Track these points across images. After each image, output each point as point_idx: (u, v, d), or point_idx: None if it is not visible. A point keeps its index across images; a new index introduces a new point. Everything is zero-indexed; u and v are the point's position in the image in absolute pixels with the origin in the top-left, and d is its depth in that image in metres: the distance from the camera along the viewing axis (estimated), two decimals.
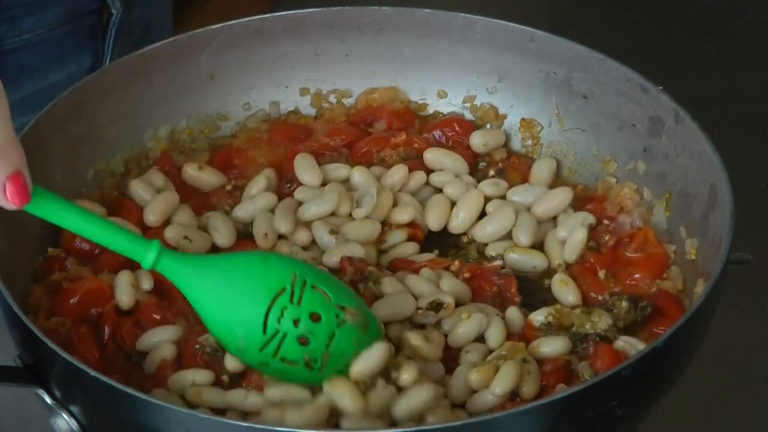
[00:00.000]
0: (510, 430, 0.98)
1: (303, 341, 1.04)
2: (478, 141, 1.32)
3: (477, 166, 1.32)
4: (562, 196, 1.25)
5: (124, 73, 1.29)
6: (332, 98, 1.38)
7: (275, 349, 1.04)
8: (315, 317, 1.04)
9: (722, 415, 1.29)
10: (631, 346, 1.11)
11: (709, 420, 1.29)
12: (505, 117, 1.36)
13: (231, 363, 1.09)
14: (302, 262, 1.12)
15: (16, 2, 1.40)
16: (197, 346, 1.11)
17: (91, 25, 1.49)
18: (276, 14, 1.36)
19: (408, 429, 0.97)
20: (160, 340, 1.13)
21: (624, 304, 1.14)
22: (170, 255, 1.05)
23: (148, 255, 1.04)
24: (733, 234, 1.10)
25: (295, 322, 1.04)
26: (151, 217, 1.23)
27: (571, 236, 1.22)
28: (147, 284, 1.16)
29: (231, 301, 1.04)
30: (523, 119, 1.34)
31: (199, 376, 1.09)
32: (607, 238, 1.22)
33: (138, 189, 1.26)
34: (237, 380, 1.10)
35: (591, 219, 1.23)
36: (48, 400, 1.06)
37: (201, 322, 1.09)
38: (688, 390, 1.12)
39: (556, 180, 1.31)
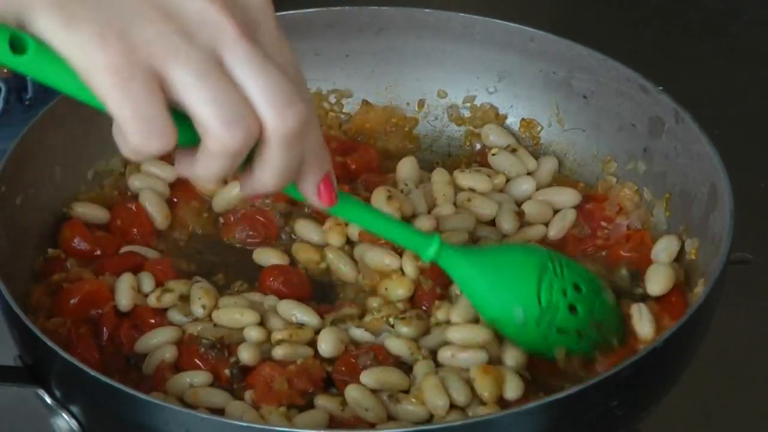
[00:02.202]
0: (510, 430, 0.98)
1: (573, 310, 1.11)
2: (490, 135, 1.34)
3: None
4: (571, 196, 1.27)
5: None
6: (332, 98, 1.38)
7: (551, 320, 1.11)
8: (577, 288, 1.12)
9: (722, 415, 1.29)
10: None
11: (709, 420, 1.29)
12: (505, 117, 1.36)
13: (245, 355, 1.10)
14: (548, 249, 1.18)
15: None
16: (196, 339, 1.11)
17: None
18: (276, 14, 1.35)
19: (408, 429, 0.97)
20: (159, 341, 1.13)
21: (624, 271, 1.17)
22: (448, 248, 1.11)
23: (429, 248, 1.10)
24: (733, 234, 1.10)
25: (564, 292, 1.11)
26: (158, 218, 1.26)
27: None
28: (148, 287, 1.16)
29: (505, 284, 1.11)
30: (523, 119, 1.34)
31: (197, 377, 1.10)
32: (599, 242, 1.22)
33: (145, 198, 1.27)
34: (240, 376, 1.10)
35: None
36: (48, 400, 1.06)
37: None
38: (688, 390, 1.12)
39: (558, 178, 1.31)
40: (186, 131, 0.89)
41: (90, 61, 0.85)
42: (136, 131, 0.86)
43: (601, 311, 1.13)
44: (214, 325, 1.14)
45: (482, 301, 1.12)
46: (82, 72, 0.85)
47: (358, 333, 1.13)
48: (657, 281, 1.16)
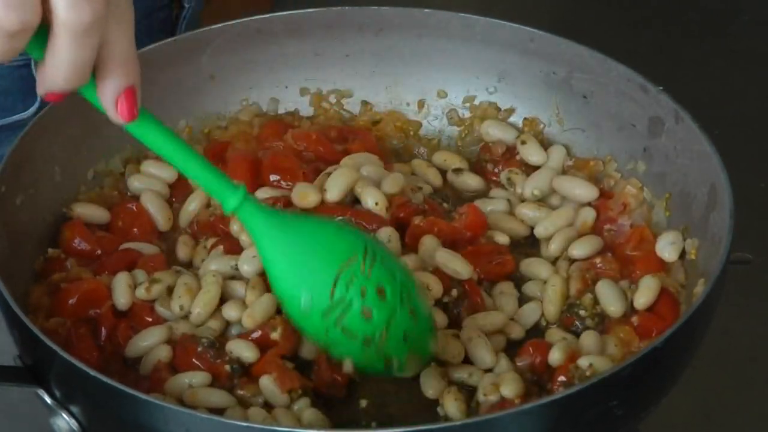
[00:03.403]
0: (510, 430, 0.98)
1: (367, 314, 1.04)
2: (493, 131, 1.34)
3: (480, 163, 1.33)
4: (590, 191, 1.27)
5: None
6: (332, 98, 1.38)
7: (338, 316, 1.04)
8: (381, 292, 1.04)
9: (722, 415, 1.30)
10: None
11: (709, 420, 1.29)
12: (507, 115, 1.36)
13: (246, 353, 1.10)
14: (374, 238, 1.13)
15: None
16: (193, 338, 1.11)
17: (162, 20, 1.50)
18: (276, 14, 1.36)
19: (408, 429, 0.97)
20: (150, 343, 1.13)
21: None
22: (254, 204, 1.05)
23: (232, 198, 1.03)
24: (733, 234, 1.10)
25: (362, 293, 1.04)
26: (161, 221, 1.26)
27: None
28: (144, 284, 1.16)
29: (303, 261, 1.04)
30: (526, 118, 1.34)
31: (196, 378, 1.10)
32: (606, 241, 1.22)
33: (147, 200, 1.27)
34: (239, 372, 1.10)
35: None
36: (48, 400, 1.06)
37: None
38: (688, 390, 1.12)
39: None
40: None
41: None
42: None
43: (406, 322, 1.05)
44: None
45: (274, 273, 1.05)
46: None
47: None
48: (641, 294, 1.15)
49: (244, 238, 1.19)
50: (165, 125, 1.01)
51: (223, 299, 1.16)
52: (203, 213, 1.25)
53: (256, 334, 1.12)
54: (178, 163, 1.03)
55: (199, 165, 1.03)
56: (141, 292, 1.15)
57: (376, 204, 1.21)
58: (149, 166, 1.29)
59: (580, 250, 1.21)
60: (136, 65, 0.94)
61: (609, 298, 1.15)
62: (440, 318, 1.14)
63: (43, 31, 0.89)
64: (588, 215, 1.25)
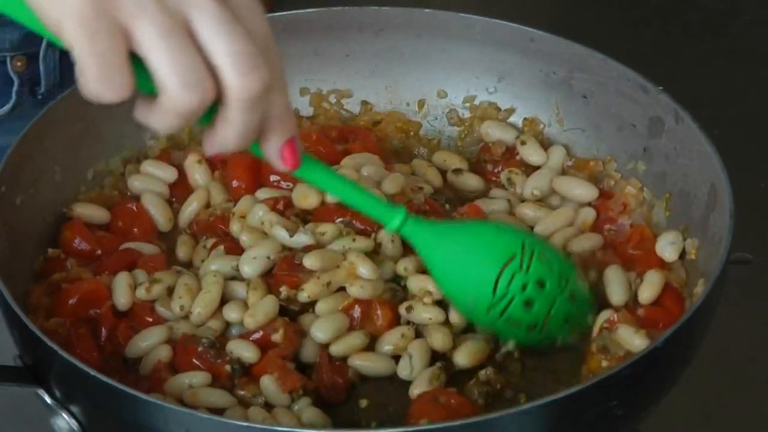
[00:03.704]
0: (510, 430, 0.98)
1: (529, 305, 1.11)
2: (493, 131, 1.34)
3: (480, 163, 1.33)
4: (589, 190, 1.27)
5: None
6: (332, 98, 1.38)
7: (502, 310, 1.11)
8: (541, 284, 1.11)
9: (722, 415, 1.30)
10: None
11: (709, 420, 1.29)
12: (508, 115, 1.36)
13: (246, 353, 1.10)
14: (530, 234, 1.20)
15: None
16: (193, 338, 1.11)
17: None
18: (276, 14, 1.36)
19: (408, 429, 0.97)
20: (150, 343, 1.13)
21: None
22: (414, 220, 1.12)
23: (394, 218, 1.11)
24: (733, 234, 1.10)
25: (523, 287, 1.11)
26: (162, 221, 1.26)
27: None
28: (144, 285, 1.16)
29: (466, 265, 1.12)
30: (525, 118, 1.34)
31: (196, 378, 1.10)
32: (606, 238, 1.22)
33: (147, 201, 1.27)
34: (240, 372, 1.10)
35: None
36: (48, 400, 1.06)
37: None
38: (688, 390, 1.12)
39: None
40: (147, 80, 0.90)
41: (61, 6, 0.87)
42: (95, 78, 0.88)
43: (566, 307, 1.13)
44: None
45: (440, 276, 1.13)
46: (53, 16, 0.88)
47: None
48: (645, 289, 1.16)
49: (244, 239, 1.20)
50: (323, 165, 1.08)
51: (224, 300, 1.16)
52: (203, 213, 1.25)
53: (257, 335, 1.12)
54: (341, 194, 1.11)
55: (359, 193, 1.11)
56: (141, 293, 1.15)
57: None
58: (149, 166, 1.29)
59: (578, 245, 1.21)
60: (293, 119, 1.00)
61: (614, 286, 1.16)
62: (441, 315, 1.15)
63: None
64: (588, 215, 1.25)
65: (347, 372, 1.12)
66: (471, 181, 1.31)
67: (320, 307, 1.14)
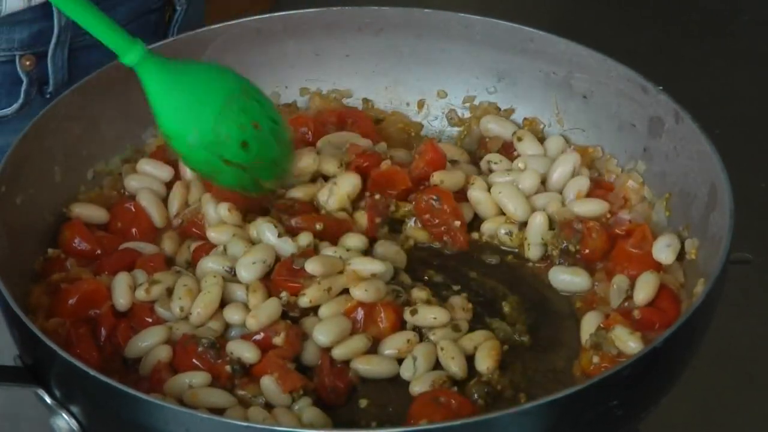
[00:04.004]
0: (510, 430, 0.98)
1: (245, 145, 1.17)
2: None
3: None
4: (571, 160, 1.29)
5: (125, 73, 1.29)
6: (332, 97, 1.38)
7: (220, 149, 1.17)
8: (256, 126, 1.18)
9: (722, 415, 1.30)
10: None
11: (709, 420, 1.29)
12: (510, 114, 1.36)
13: (247, 354, 1.10)
14: (246, 80, 1.23)
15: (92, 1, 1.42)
16: (193, 339, 1.11)
17: (155, 23, 1.51)
18: (276, 14, 1.36)
19: (408, 429, 0.97)
20: (150, 343, 1.12)
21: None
22: (151, 57, 1.17)
23: (131, 52, 1.16)
24: (733, 234, 1.10)
25: (242, 128, 1.17)
26: (158, 219, 1.26)
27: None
28: (144, 286, 1.16)
29: (191, 103, 1.17)
30: (526, 118, 1.34)
31: (196, 378, 1.09)
32: (594, 235, 1.22)
33: (142, 198, 1.27)
34: (240, 372, 1.10)
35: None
36: (48, 400, 1.06)
37: None
38: (688, 390, 1.12)
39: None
40: None
41: None
42: None
43: (274, 151, 1.20)
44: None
45: (164, 115, 1.17)
46: None
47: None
48: (641, 290, 1.16)
49: (222, 242, 1.20)
50: None
51: (223, 301, 1.16)
52: (190, 213, 1.25)
53: (258, 336, 1.12)
54: (82, 20, 1.13)
55: (101, 20, 1.14)
56: (141, 294, 1.15)
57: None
58: (145, 165, 1.29)
59: (584, 209, 1.24)
60: None
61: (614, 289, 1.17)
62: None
63: None
64: (582, 184, 1.26)
65: (348, 375, 1.12)
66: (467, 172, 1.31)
67: (323, 310, 1.14)
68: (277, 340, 1.11)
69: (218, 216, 1.22)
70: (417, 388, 1.10)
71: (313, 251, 1.18)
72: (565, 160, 1.28)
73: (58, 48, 1.42)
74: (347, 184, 1.25)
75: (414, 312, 1.15)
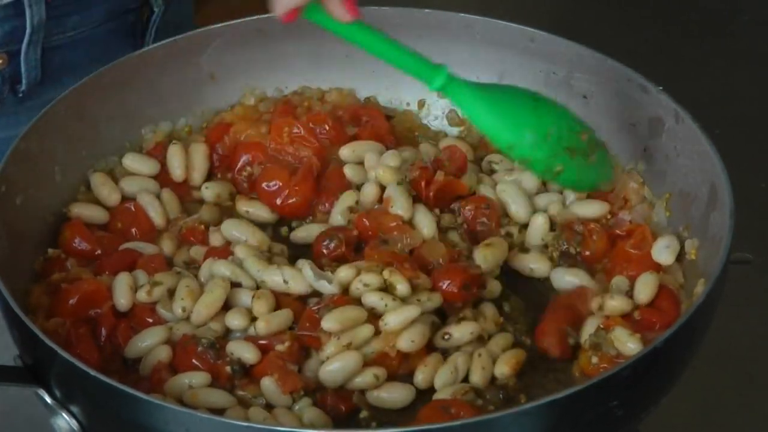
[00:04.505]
0: (510, 430, 0.98)
1: (572, 129, 1.22)
2: None
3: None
4: None
5: (124, 73, 1.30)
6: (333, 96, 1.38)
7: (557, 136, 1.20)
8: (566, 116, 1.23)
9: (722, 415, 1.30)
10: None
11: (709, 420, 1.29)
12: None
13: (247, 354, 1.09)
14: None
15: (65, 0, 1.41)
16: (193, 339, 1.11)
17: (132, 23, 1.51)
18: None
19: (408, 429, 0.97)
20: (150, 343, 1.12)
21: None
22: (457, 79, 1.19)
23: (437, 77, 1.19)
24: (733, 234, 1.10)
25: (559, 118, 1.21)
26: (157, 219, 1.26)
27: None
28: (145, 288, 1.16)
29: (512, 110, 1.21)
30: None
31: (196, 378, 1.09)
32: (595, 237, 1.22)
33: (142, 200, 1.27)
34: (240, 373, 1.10)
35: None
36: (48, 400, 1.06)
37: None
38: (688, 390, 1.12)
39: None
40: None
41: None
42: None
43: (592, 132, 1.23)
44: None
45: (493, 128, 1.20)
46: None
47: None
48: (642, 290, 1.16)
49: (235, 248, 1.19)
50: (369, 26, 1.16)
51: (225, 304, 1.15)
52: (191, 222, 1.25)
53: (262, 340, 1.12)
54: (385, 54, 1.18)
55: (403, 52, 1.18)
56: (142, 296, 1.15)
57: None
58: (128, 160, 1.29)
59: (583, 210, 1.25)
60: None
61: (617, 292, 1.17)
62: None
63: None
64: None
65: (352, 399, 1.10)
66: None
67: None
68: (281, 347, 1.11)
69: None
70: (441, 396, 1.10)
71: (342, 299, 1.13)
72: None
73: (30, 47, 1.41)
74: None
75: (448, 336, 1.13)
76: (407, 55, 1.18)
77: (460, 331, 1.13)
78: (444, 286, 1.15)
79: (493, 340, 1.14)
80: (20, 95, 1.43)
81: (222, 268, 1.17)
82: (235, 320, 1.13)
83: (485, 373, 1.11)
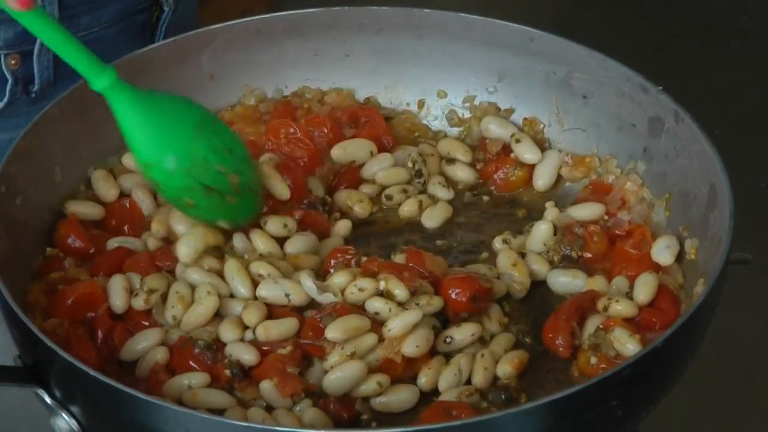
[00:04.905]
0: (510, 430, 0.97)
1: (221, 170, 1.16)
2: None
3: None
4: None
5: (124, 73, 1.29)
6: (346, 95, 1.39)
7: (200, 173, 1.15)
8: (228, 150, 1.18)
9: (722, 415, 1.30)
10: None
11: (709, 420, 1.29)
12: (510, 113, 1.36)
13: (246, 356, 1.09)
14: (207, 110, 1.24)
15: (77, 0, 1.42)
16: (190, 341, 1.11)
17: (142, 23, 1.51)
18: (276, 14, 1.36)
19: (408, 429, 0.97)
20: (146, 345, 1.12)
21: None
22: (120, 83, 1.15)
23: (102, 77, 1.14)
24: (733, 234, 1.10)
25: (215, 151, 1.16)
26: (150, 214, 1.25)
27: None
28: (143, 296, 1.15)
29: (165, 129, 1.16)
30: (525, 119, 1.34)
31: (195, 378, 1.09)
32: (596, 239, 1.22)
33: (136, 195, 1.27)
34: (239, 376, 1.10)
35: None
36: (48, 400, 1.06)
37: None
38: (688, 390, 1.12)
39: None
40: None
41: None
42: None
43: (251, 176, 1.19)
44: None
45: (139, 143, 1.16)
46: None
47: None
48: (642, 290, 1.16)
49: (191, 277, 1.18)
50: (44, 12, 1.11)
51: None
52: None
53: (264, 346, 1.11)
54: (56, 46, 1.12)
55: (73, 46, 1.12)
56: (139, 303, 1.14)
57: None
58: (128, 159, 1.28)
59: (579, 213, 1.24)
60: None
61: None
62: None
63: None
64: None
65: (354, 406, 1.10)
66: (459, 172, 1.32)
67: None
68: (283, 351, 1.10)
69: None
70: (445, 398, 1.09)
71: (344, 308, 1.13)
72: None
73: (43, 47, 1.42)
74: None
75: (450, 340, 1.13)
76: (76, 49, 1.13)
77: (461, 334, 1.13)
78: (453, 295, 1.15)
79: (495, 341, 1.14)
80: (33, 95, 1.44)
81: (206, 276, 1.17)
82: (228, 333, 1.12)
83: (487, 373, 1.11)
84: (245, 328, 1.13)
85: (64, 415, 1.05)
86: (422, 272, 1.16)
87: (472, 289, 1.14)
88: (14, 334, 1.08)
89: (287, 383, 1.08)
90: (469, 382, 1.11)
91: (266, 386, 1.08)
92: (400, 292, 1.13)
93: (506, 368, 1.11)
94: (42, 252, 1.21)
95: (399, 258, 1.18)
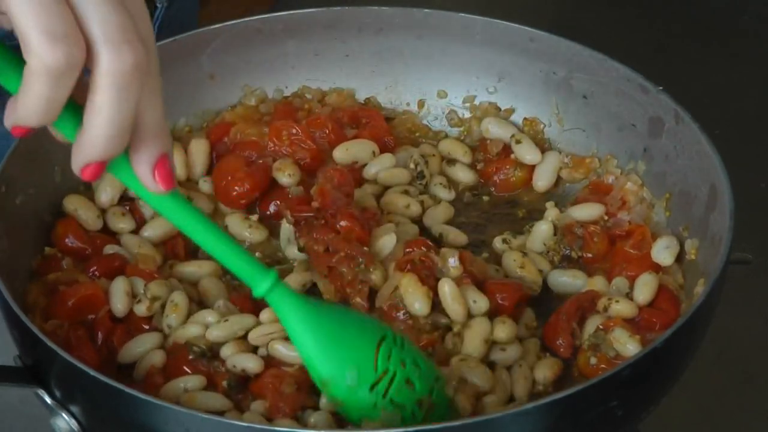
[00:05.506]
0: (510, 430, 0.98)
1: (410, 384, 1.04)
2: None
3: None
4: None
5: None
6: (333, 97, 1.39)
7: (386, 387, 1.03)
8: (416, 365, 1.05)
9: (722, 415, 1.30)
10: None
11: (709, 420, 1.29)
12: (509, 114, 1.36)
13: (249, 364, 1.09)
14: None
15: None
16: (185, 347, 1.11)
17: None
18: (276, 14, 1.36)
19: (408, 429, 0.97)
20: (144, 348, 1.12)
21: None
22: (284, 289, 1.01)
23: (262, 283, 1.00)
24: (733, 234, 1.10)
25: (402, 364, 1.04)
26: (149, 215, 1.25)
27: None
28: (145, 303, 1.15)
29: (341, 341, 1.03)
30: (526, 118, 1.34)
31: (191, 381, 1.09)
32: (596, 239, 1.22)
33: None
34: (238, 387, 1.09)
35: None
36: (48, 400, 1.06)
37: None
38: (688, 390, 1.12)
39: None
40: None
41: None
42: None
43: (438, 394, 1.06)
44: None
45: (313, 356, 1.02)
46: None
47: None
48: (641, 290, 1.16)
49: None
50: (194, 206, 0.97)
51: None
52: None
53: (264, 353, 1.11)
54: (207, 245, 0.98)
55: (228, 247, 0.99)
56: (142, 310, 1.14)
57: None
58: None
59: (579, 213, 1.24)
60: (169, 134, 0.92)
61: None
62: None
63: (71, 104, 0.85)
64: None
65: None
66: (460, 173, 1.32)
67: None
68: (288, 369, 1.09)
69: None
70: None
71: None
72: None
73: None
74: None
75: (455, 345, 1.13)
76: (233, 251, 0.99)
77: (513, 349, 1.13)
78: (499, 299, 1.15)
79: (525, 346, 1.14)
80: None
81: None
82: (227, 350, 1.11)
83: (527, 383, 1.11)
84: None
85: (64, 415, 1.05)
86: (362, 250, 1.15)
87: (518, 295, 1.16)
88: (14, 335, 1.08)
89: (279, 407, 1.06)
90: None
91: (258, 406, 1.07)
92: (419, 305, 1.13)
93: (546, 373, 1.11)
94: (41, 252, 1.21)
95: (449, 254, 1.17)
